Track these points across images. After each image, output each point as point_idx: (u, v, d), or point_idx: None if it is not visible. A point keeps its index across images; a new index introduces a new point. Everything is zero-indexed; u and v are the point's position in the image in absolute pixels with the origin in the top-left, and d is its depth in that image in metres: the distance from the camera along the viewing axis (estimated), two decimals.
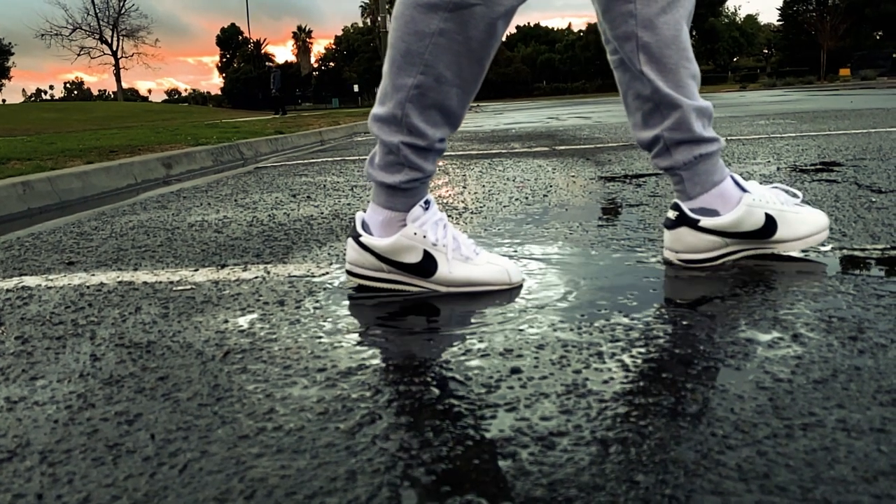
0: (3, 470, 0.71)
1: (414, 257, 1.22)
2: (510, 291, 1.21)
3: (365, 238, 1.25)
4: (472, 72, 1.17)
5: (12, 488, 0.67)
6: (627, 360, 0.88)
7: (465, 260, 1.22)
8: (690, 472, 0.62)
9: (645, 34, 1.22)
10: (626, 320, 1.04)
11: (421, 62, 1.14)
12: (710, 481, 0.61)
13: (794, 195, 1.34)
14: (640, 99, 1.29)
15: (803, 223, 1.31)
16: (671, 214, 1.31)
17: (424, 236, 1.20)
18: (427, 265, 1.21)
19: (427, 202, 1.23)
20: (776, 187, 1.34)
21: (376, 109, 1.22)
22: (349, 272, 1.29)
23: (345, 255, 1.50)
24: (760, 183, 2.29)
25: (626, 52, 1.25)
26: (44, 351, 1.06)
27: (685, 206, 1.30)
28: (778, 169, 2.69)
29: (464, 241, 1.24)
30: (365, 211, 1.29)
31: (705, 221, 1.27)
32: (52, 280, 1.53)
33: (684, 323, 1.01)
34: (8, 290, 1.45)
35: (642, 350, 0.92)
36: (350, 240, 1.28)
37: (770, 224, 1.28)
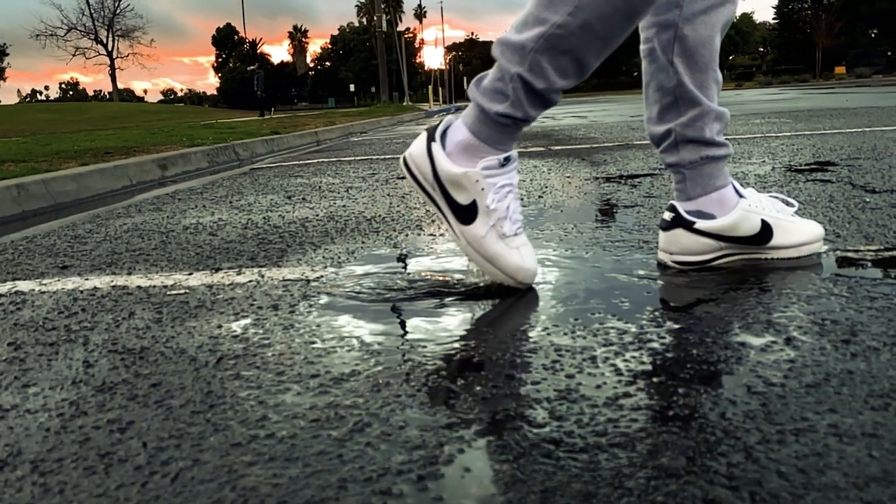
0: None
1: (462, 198, 1.18)
2: (506, 293, 1.21)
3: (436, 148, 1.19)
4: (620, 29, 1.09)
5: (3, 498, 0.67)
6: (620, 365, 0.88)
7: (501, 235, 1.18)
8: (681, 479, 0.62)
9: (685, 27, 1.23)
10: (619, 324, 1.04)
11: (573, 2, 1.05)
12: (700, 488, 0.61)
13: (790, 204, 1.34)
14: (661, 91, 1.30)
15: (799, 232, 1.32)
16: (667, 216, 1.31)
17: (483, 189, 1.16)
18: (468, 214, 1.18)
19: (507, 159, 1.17)
20: (773, 196, 1.35)
21: (509, 34, 1.13)
22: (405, 161, 1.26)
23: (337, 260, 1.50)
24: (756, 184, 2.29)
25: (661, 40, 1.26)
26: (36, 357, 1.06)
27: (681, 208, 1.30)
28: (773, 169, 2.69)
29: (513, 216, 1.19)
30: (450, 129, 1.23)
31: (701, 224, 1.28)
32: (45, 285, 1.52)
33: (678, 326, 1.01)
34: (1, 296, 1.45)
35: (635, 354, 0.92)
36: (424, 134, 1.22)
37: (766, 230, 1.28)
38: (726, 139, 1.31)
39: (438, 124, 1.22)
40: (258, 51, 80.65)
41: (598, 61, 1.12)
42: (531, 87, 1.11)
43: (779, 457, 0.65)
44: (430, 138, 1.21)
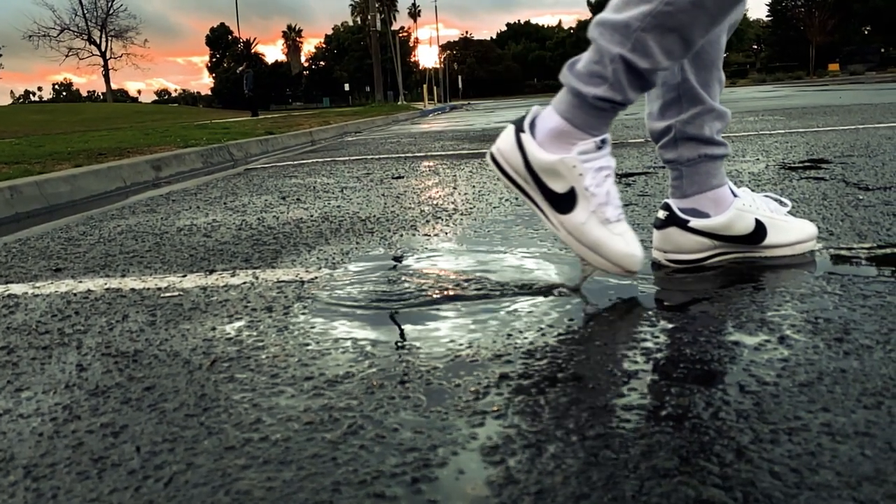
0: None
1: (559, 187, 1.13)
2: (499, 293, 1.21)
3: (526, 139, 1.16)
4: (732, 4, 1.06)
5: None
6: (615, 365, 0.88)
7: (604, 221, 1.13)
8: (675, 479, 0.62)
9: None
10: (614, 324, 1.04)
11: None
12: (694, 488, 0.61)
13: (784, 204, 1.35)
14: (665, 86, 1.29)
15: (792, 231, 1.32)
16: (661, 214, 1.31)
17: (581, 174, 1.12)
18: (566, 202, 1.14)
19: (604, 141, 1.13)
20: (767, 195, 1.35)
21: (608, 14, 1.10)
22: (492, 156, 1.22)
23: (331, 261, 1.50)
24: (749, 182, 2.30)
25: None
26: (29, 361, 1.05)
27: (676, 206, 1.30)
28: (767, 167, 2.70)
29: (614, 201, 1.15)
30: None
31: (695, 222, 1.28)
32: (38, 287, 1.52)
33: (672, 326, 1.02)
34: None
35: (629, 354, 0.92)
36: (511, 127, 1.19)
37: (760, 230, 1.29)
38: (724, 138, 1.32)
39: (525, 115, 1.19)
40: (252, 50, 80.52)
41: (704, 40, 1.09)
42: (634, 68, 1.07)
43: (772, 456, 0.65)
44: (519, 129, 1.17)
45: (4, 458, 0.76)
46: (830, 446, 0.66)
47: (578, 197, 1.13)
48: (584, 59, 1.13)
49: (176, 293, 1.38)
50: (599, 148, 1.13)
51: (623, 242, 1.14)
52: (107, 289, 1.46)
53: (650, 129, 1.36)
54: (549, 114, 1.17)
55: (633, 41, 1.06)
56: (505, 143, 1.19)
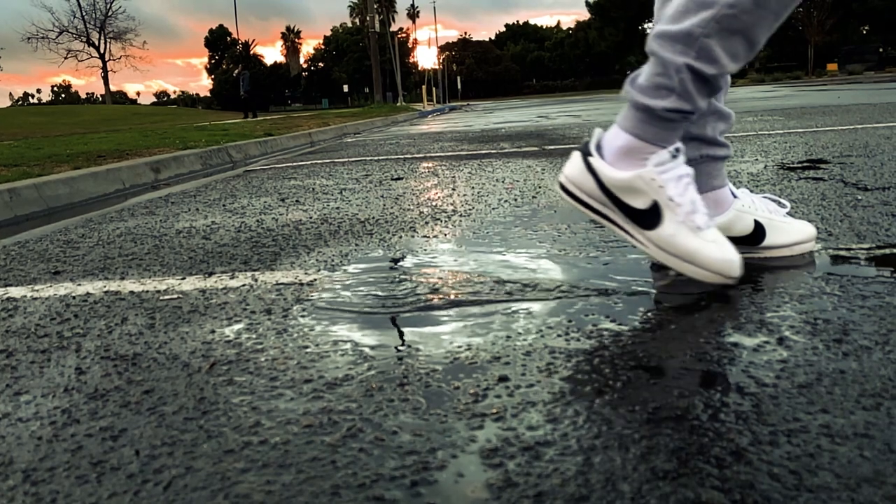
0: None
1: (640, 203, 1.11)
2: (498, 295, 1.21)
3: (596, 161, 1.14)
4: (793, 1, 1.05)
5: None
6: (614, 367, 0.88)
7: (695, 230, 1.11)
8: (674, 480, 0.62)
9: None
10: (613, 325, 1.04)
11: None
12: (693, 490, 0.61)
13: (783, 205, 1.35)
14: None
15: (791, 232, 1.32)
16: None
17: (661, 186, 1.10)
18: (651, 217, 1.12)
19: (678, 150, 1.12)
20: (766, 197, 1.35)
21: (666, 26, 1.09)
22: (563, 186, 1.20)
23: (330, 263, 1.50)
24: (748, 182, 2.30)
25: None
26: (28, 365, 1.05)
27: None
28: (765, 167, 2.70)
29: (701, 208, 1.13)
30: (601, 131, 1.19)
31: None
32: (37, 291, 1.52)
33: (671, 327, 1.02)
34: None
35: (629, 356, 0.92)
36: (577, 154, 1.18)
37: (759, 231, 1.29)
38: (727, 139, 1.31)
39: (589, 140, 1.17)
40: (251, 52, 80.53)
41: (767, 38, 1.08)
42: (700, 75, 1.07)
43: (771, 458, 0.65)
44: (586, 154, 1.16)
45: (3, 461, 0.75)
46: (829, 448, 0.66)
47: (663, 209, 1.11)
48: (645, 73, 1.12)
49: (175, 296, 1.38)
50: (674, 157, 1.11)
51: (718, 249, 1.12)
52: (106, 291, 1.46)
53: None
54: (614, 133, 1.16)
55: (697, 48, 1.05)
56: (574, 170, 1.18)
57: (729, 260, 1.11)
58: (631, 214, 1.14)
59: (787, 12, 1.07)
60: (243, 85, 23.74)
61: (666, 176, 1.10)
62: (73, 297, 1.43)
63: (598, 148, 1.17)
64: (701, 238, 1.11)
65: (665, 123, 1.11)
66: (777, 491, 0.60)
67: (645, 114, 1.12)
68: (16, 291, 1.52)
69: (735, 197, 1.29)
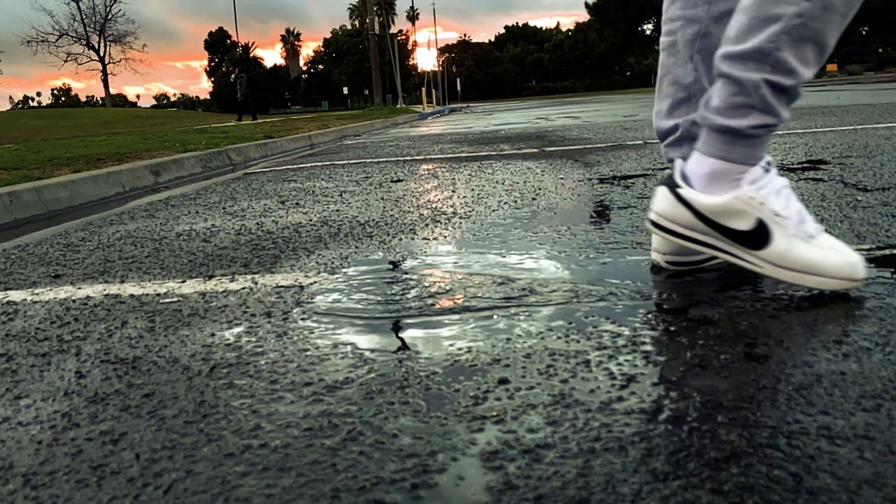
0: None
1: (744, 224, 1.09)
2: (497, 298, 1.21)
3: (686, 191, 1.13)
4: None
5: None
6: (614, 369, 0.89)
7: (808, 239, 1.08)
8: (673, 483, 0.62)
9: (712, 25, 1.23)
10: (612, 327, 1.04)
11: None
12: (692, 493, 0.61)
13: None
14: (676, 85, 1.29)
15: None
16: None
17: (762, 203, 1.07)
18: (758, 236, 1.09)
19: (768, 163, 1.10)
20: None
21: (733, 47, 1.08)
22: (655, 223, 1.18)
23: (330, 266, 1.50)
24: None
25: (685, 34, 1.26)
26: (28, 368, 1.05)
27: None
28: None
29: (807, 216, 1.10)
30: (683, 161, 1.16)
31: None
32: (37, 294, 1.52)
33: (670, 329, 1.02)
34: None
35: (628, 358, 0.92)
36: (663, 188, 1.16)
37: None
38: None
39: (671, 173, 1.16)
40: (251, 54, 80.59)
41: (837, 40, 1.07)
42: (780, 87, 1.06)
43: (770, 460, 0.65)
44: (673, 186, 1.15)
45: (4, 466, 0.75)
46: (829, 449, 0.66)
47: (770, 226, 1.08)
48: (718, 96, 1.11)
49: (175, 299, 1.38)
50: (767, 171, 1.10)
51: (838, 254, 1.09)
52: (106, 295, 1.46)
53: (657, 127, 1.35)
54: (698, 160, 1.15)
55: (771, 63, 1.05)
56: (664, 205, 1.16)
57: (852, 263, 1.08)
58: (737, 238, 1.11)
59: (853, 11, 1.05)
60: (240, 88, 23.79)
61: (765, 192, 1.08)
62: (73, 301, 1.43)
63: (684, 178, 1.15)
64: (816, 246, 1.09)
65: (751, 140, 1.09)
66: (776, 493, 0.60)
67: (728, 135, 1.10)
68: (16, 295, 1.53)
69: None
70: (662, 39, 1.32)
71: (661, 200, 1.17)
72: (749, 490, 0.60)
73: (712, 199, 1.10)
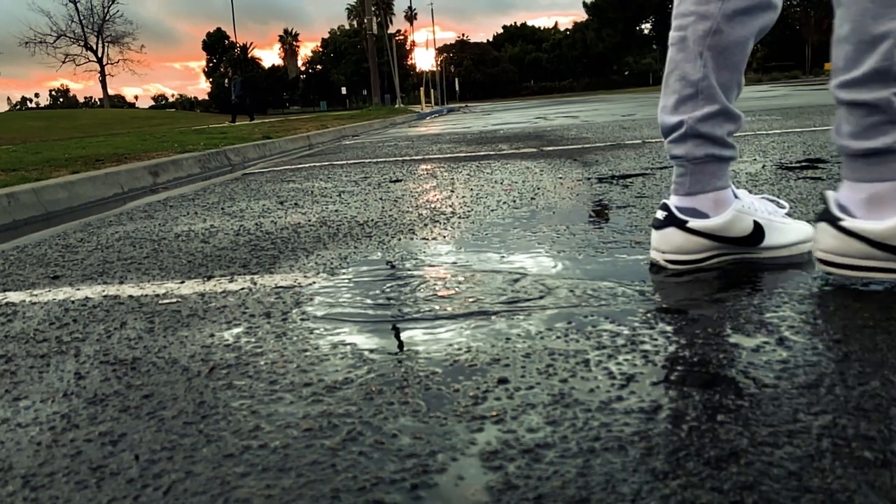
0: None
1: None
2: (498, 298, 1.21)
3: (851, 223, 1.09)
4: None
5: None
6: (613, 368, 0.88)
7: None
8: (673, 482, 0.62)
9: (724, 22, 1.23)
10: (612, 326, 1.04)
11: None
12: (693, 492, 0.61)
13: (781, 206, 1.35)
14: (683, 81, 1.28)
15: (790, 232, 1.32)
16: (659, 214, 1.31)
17: None
18: None
19: None
20: (765, 197, 1.35)
21: (847, 76, 1.08)
22: (828, 262, 1.14)
23: (329, 266, 1.49)
24: (747, 182, 2.30)
25: (696, 30, 1.25)
26: (27, 370, 1.05)
27: (674, 206, 1.30)
28: (764, 167, 2.70)
29: None
30: (834, 191, 1.14)
31: (693, 223, 1.28)
32: (36, 295, 1.51)
33: (670, 328, 1.02)
34: None
35: (628, 357, 0.92)
36: (824, 225, 1.13)
37: (758, 231, 1.29)
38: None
39: (827, 207, 1.14)
40: (249, 55, 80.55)
41: None
42: None
43: (771, 459, 0.65)
44: (835, 221, 1.12)
45: (3, 467, 0.75)
46: (831, 449, 0.66)
47: None
48: (849, 122, 1.09)
49: (174, 300, 1.38)
50: None
51: None
52: (105, 296, 1.46)
53: (661, 123, 1.34)
54: (851, 188, 1.12)
55: (893, 78, 1.04)
56: (831, 242, 1.13)
57: None
58: None
59: None
60: (235, 90, 23.82)
61: None
62: (72, 302, 1.43)
63: (843, 209, 1.13)
64: None
65: None
66: (777, 493, 0.60)
67: (877, 156, 1.08)
68: (14, 296, 1.52)
69: (736, 198, 1.29)
70: (672, 34, 1.31)
71: (827, 238, 1.13)
72: (749, 489, 0.60)
73: (883, 223, 1.07)
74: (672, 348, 0.94)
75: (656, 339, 0.97)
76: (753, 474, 0.62)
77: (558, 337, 1.01)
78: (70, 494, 0.69)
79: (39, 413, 0.89)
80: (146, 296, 1.43)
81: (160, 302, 1.37)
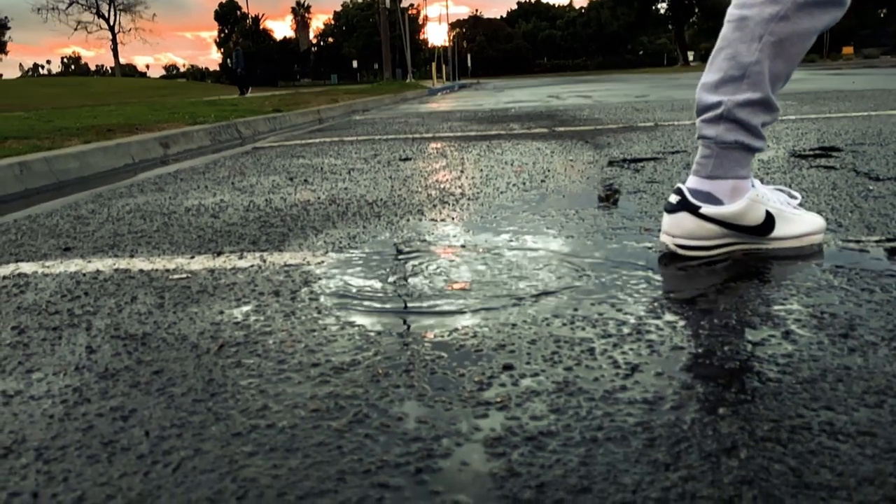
0: None
1: None
2: (506, 283, 1.22)
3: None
4: None
5: (8, 486, 0.68)
6: (618, 357, 0.89)
7: None
8: (674, 473, 0.63)
9: (793, 10, 1.20)
10: (619, 315, 1.04)
11: None
12: (693, 485, 0.61)
13: (794, 197, 1.34)
14: (733, 61, 1.25)
15: (801, 223, 1.32)
16: (672, 198, 1.31)
17: None
18: None
19: None
20: (778, 189, 1.35)
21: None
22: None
23: (338, 245, 1.50)
24: (759, 169, 2.28)
25: (763, 12, 1.21)
26: (40, 342, 1.07)
27: (689, 190, 1.29)
28: (777, 154, 2.68)
29: None
30: None
31: (707, 209, 1.27)
32: (48, 267, 1.53)
33: (676, 319, 1.02)
34: (4, 278, 1.46)
35: (633, 347, 0.92)
36: None
37: (769, 221, 1.28)
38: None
39: None
40: (261, 26, 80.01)
41: None
42: None
43: (772, 454, 0.65)
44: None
45: (17, 439, 0.77)
46: (831, 445, 0.66)
47: None
48: None
49: (184, 275, 1.39)
50: None
51: None
52: (115, 269, 1.47)
53: (698, 100, 1.32)
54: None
55: None
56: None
57: None
58: None
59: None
60: (236, 62, 23.71)
61: None
62: (84, 275, 1.44)
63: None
64: None
65: None
66: (776, 488, 0.60)
67: None
68: (27, 267, 1.54)
69: (752, 187, 1.29)
70: (732, 11, 1.27)
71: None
72: (748, 483, 0.61)
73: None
74: (677, 339, 0.94)
75: (662, 329, 0.98)
76: (754, 469, 0.63)
77: (564, 324, 1.01)
78: (82, 468, 0.70)
79: (52, 386, 0.91)
80: (156, 270, 1.44)
81: (170, 277, 1.39)
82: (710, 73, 1.30)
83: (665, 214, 1.33)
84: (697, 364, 0.86)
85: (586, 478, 0.64)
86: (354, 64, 62.28)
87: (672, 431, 0.70)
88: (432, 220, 1.81)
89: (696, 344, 0.92)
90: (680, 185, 1.32)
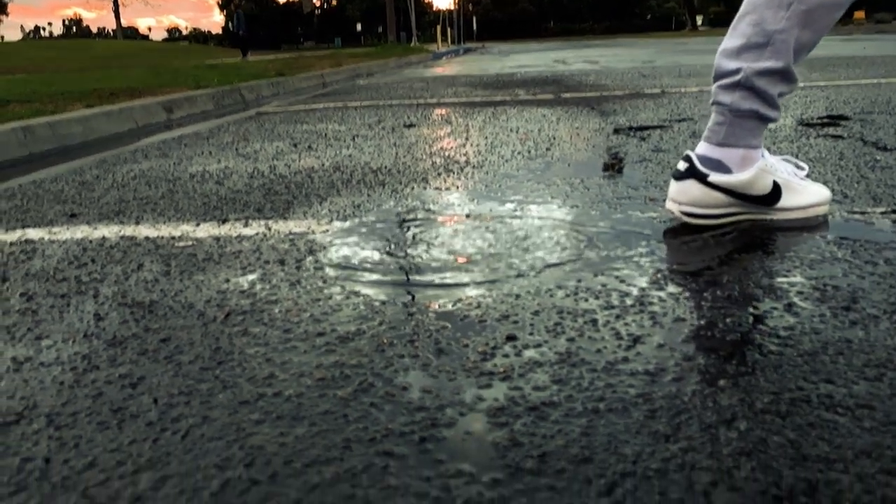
0: (11, 433, 0.73)
1: None
2: (509, 253, 1.22)
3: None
4: None
5: (21, 451, 0.70)
6: (621, 329, 0.90)
7: None
8: (674, 445, 0.64)
9: None
10: (622, 286, 1.05)
11: None
12: (693, 456, 0.63)
13: (801, 167, 1.34)
14: (757, 27, 1.22)
15: (807, 194, 1.31)
16: (681, 165, 1.31)
17: None
18: None
19: None
20: (786, 159, 1.34)
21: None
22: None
23: (343, 214, 1.50)
24: (766, 138, 2.27)
25: None
26: (48, 309, 1.08)
27: (697, 158, 1.29)
28: (784, 122, 2.66)
29: None
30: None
31: (714, 177, 1.27)
32: (55, 233, 1.54)
33: (679, 290, 1.02)
34: (12, 244, 1.47)
35: (636, 318, 0.93)
36: None
37: (776, 191, 1.28)
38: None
39: None
40: None
41: None
42: None
43: (771, 426, 0.66)
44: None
45: (28, 405, 0.78)
46: (829, 418, 0.67)
47: None
48: None
49: (189, 243, 1.40)
50: None
51: None
52: (121, 236, 1.48)
53: (717, 65, 1.29)
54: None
55: None
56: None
57: None
58: None
59: None
60: (237, 24, 23.39)
61: None
62: (90, 241, 1.45)
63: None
64: None
65: None
66: (774, 459, 0.61)
67: None
68: (34, 233, 1.55)
69: (762, 157, 1.28)
70: None
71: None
72: (747, 455, 0.62)
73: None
74: (680, 311, 0.95)
75: (665, 301, 0.98)
76: (753, 441, 0.64)
77: (567, 295, 1.02)
78: (93, 434, 0.72)
79: (61, 353, 0.92)
80: (162, 237, 1.45)
81: (176, 244, 1.39)
82: (732, 39, 1.27)
83: (672, 181, 1.32)
84: (699, 336, 0.87)
85: (587, 448, 0.65)
86: (358, 27, 61.43)
87: (673, 403, 0.71)
88: (437, 188, 1.80)
89: (698, 316, 0.93)
90: (689, 151, 1.31)
